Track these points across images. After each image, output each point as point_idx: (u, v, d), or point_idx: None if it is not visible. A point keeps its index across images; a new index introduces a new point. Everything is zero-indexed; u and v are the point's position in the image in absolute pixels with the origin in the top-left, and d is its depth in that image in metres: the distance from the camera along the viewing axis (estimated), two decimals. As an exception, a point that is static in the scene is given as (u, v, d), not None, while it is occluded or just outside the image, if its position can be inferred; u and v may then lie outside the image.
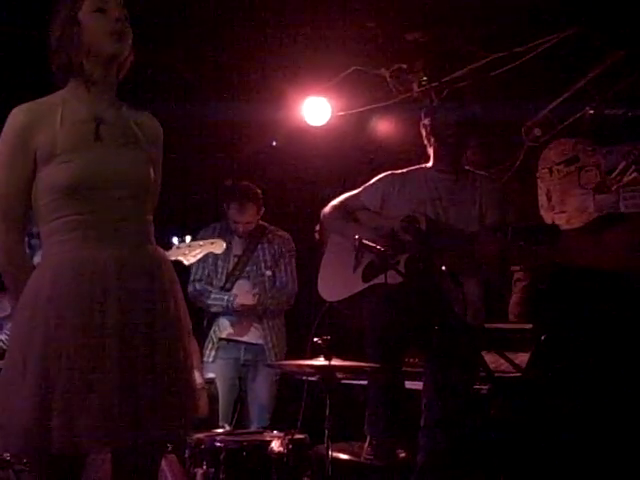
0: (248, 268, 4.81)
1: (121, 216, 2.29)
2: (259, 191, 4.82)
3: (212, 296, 4.75)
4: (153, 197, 2.42)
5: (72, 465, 2.24)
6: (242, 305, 4.68)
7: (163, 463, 3.26)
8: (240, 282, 4.79)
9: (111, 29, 2.31)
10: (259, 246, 4.85)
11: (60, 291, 2.20)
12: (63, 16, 2.34)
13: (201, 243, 4.05)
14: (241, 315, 4.75)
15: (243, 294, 4.71)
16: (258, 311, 4.74)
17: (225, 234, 4.78)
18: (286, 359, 4.61)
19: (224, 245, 4.14)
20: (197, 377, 2.37)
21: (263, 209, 4.84)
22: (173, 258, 3.90)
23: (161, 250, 2.42)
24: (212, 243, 4.10)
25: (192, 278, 4.81)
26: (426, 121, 3.83)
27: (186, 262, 3.97)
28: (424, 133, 3.85)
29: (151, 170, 2.39)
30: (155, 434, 2.21)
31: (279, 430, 3.64)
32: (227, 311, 4.74)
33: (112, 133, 2.34)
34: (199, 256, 4.01)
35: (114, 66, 2.37)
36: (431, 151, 3.85)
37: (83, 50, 2.32)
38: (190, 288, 4.78)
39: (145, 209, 2.37)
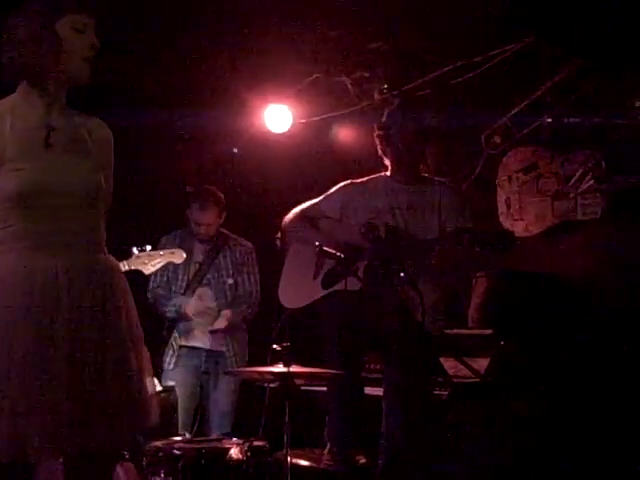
0: (209, 276, 4.79)
1: (72, 225, 2.28)
2: (221, 195, 4.82)
3: (169, 302, 4.73)
4: (104, 205, 2.41)
5: (20, 474, 2.21)
6: (216, 329, 4.67)
7: (120, 471, 3.24)
8: (201, 290, 4.78)
9: (87, 55, 2.32)
10: (220, 254, 4.83)
11: (9, 301, 2.19)
12: (40, 17, 2.29)
13: (161, 252, 4.04)
14: (201, 322, 4.73)
15: (218, 320, 4.69)
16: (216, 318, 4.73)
17: (186, 241, 4.77)
18: (248, 366, 4.59)
19: (184, 255, 4.13)
20: (149, 385, 2.35)
21: (225, 214, 4.84)
22: (133, 267, 3.90)
23: (113, 259, 2.41)
24: (172, 253, 4.10)
25: (151, 285, 4.78)
26: (381, 132, 3.85)
27: (146, 272, 3.96)
28: (379, 145, 3.88)
29: (101, 178, 2.38)
30: (104, 442, 2.20)
31: (239, 437, 3.63)
32: (180, 317, 4.70)
33: (62, 141, 2.33)
34: (159, 265, 4.00)
35: (74, 84, 2.37)
36: (388, 161, 3.89)
37: (51, 61, 2.29)
38: (149, 295, 4.77)
39: (96, 217, 2.36)
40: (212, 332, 4.70)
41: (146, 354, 2.37)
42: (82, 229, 2.30)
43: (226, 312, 4.72)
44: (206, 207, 4.73)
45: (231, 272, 4.82)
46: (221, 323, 4.69)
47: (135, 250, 3.99)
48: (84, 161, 2.35)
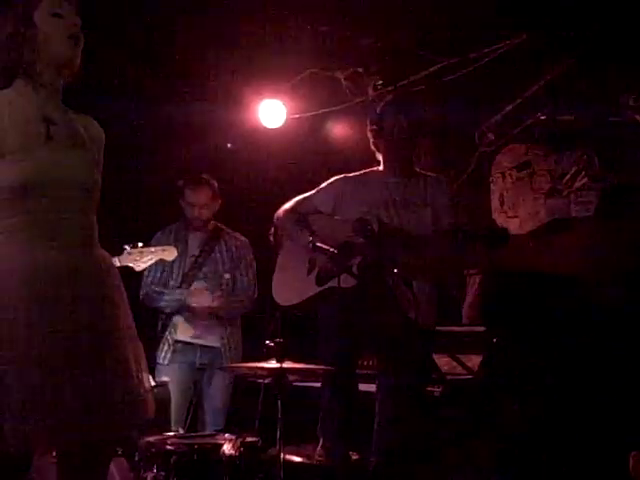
0: (205, 269, 4.76)
1: (71, 218, 2.30)
2: (214, 181, 4.81)
3: (165, 297, 4.70)
4: (98, 199, 2.43)
5: (20, 466, 2.23)
6: (198, 306, 4.63)
7: (113, 467, 3.24)
8: (197, 283, 4.75)
9: (69, 33, 2.33)
10: (216, 247, 4.81)
11: (10, 293, 2.19)
12: (16, 15, 2.33)
13: (152, 249, 4.02)
14: (197, 317, 4.70)
15: (201, 295, 4.67)
16: (217, 314, 4.69)
17: (181, 234, 4.76)
18: (242, 362, 4.58)
19: (175, 252, 4.12)
20: (145, 380, 2.36)
21: (220, 201, 4.82)
22: (124, 264, 3.88)
23: (107, 253, 2.43)
24: (164, 250, 4.08)
25: (145, 280, 4.75)
26: (374, 127, 3.86)
27: (137, 268, 3.94)
28: (372, 139, 3.88)
29: (98, 173, 2.41)
30: (103, 437, 2.22)
31: (232, 433, 3.63)
32: (181, 309, 4.67)
33: (61, 134, 2.35)
34: (150, 262, 3.98)
35: (66, 70, 2.37)
36: (380, 156, 3.89)
37: (37, 52, 2.32)
38: (143, 290, 4.73)
39: (92, 211, 2.38)
40: (197, 307, 4.62)
41: (142, 349, 2.39)
42: (81, 223, 2.32)
43: (216, 294, 4.66)
44: (198, 186, 4.72)
45: (227, 266, 4.79)
46: (206, 301, 4.63)
47: (126, 246, 3.98)
48: (83, 155, 2.38)
